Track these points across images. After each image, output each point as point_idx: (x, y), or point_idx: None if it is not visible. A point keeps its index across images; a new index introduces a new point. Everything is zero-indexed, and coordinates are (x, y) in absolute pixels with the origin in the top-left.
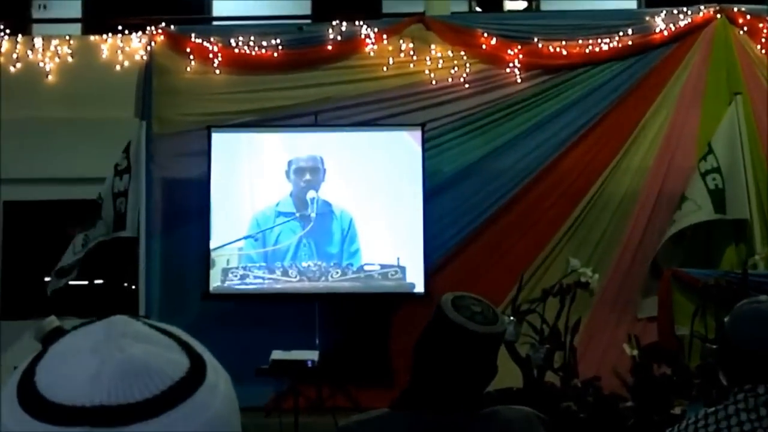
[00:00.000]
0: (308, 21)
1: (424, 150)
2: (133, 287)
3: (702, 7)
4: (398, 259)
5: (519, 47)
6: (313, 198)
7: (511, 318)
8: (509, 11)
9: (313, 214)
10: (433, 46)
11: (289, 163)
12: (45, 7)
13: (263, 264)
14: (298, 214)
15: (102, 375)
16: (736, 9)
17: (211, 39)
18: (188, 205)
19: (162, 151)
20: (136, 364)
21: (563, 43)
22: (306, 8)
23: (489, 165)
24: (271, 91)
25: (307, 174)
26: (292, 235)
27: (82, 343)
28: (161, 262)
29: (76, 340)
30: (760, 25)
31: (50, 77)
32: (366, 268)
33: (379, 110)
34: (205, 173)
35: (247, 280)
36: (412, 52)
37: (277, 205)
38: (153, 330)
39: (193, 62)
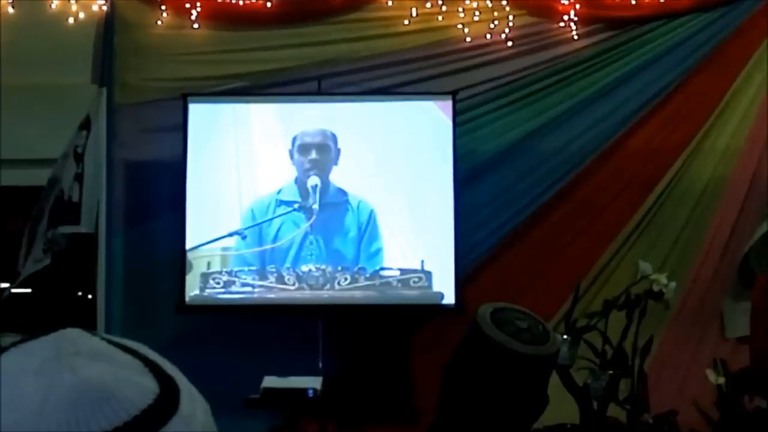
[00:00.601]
0: None
1: (455, 125)
2: (89, 297)
3: None
4: (422, 262)
5: None
6: (315, 186)
7: (565, 337)
8: None
9: (315, 206)
10: None
11: (294, 139)
12: None
13: (253, 268)
14: (296, 205)
15: (49, 402)
16: None
17: None
18: (159, 194)
19: (126, 126)
20: (92, 388)
21: None
22: None
23: (536, 145)
24: (263, 51)
25: (313, 152)
26: (294, 229)
27: (24, 363)
28: (124, 265)
29: (17, 360)
30: None
31: None
32: (382, 273)
33: (399, 75)
34: (179, 154)
35: (233, 288)
36: (440, 2)
37: (279, 192)
38: (113, 347)
39: (165, 14)
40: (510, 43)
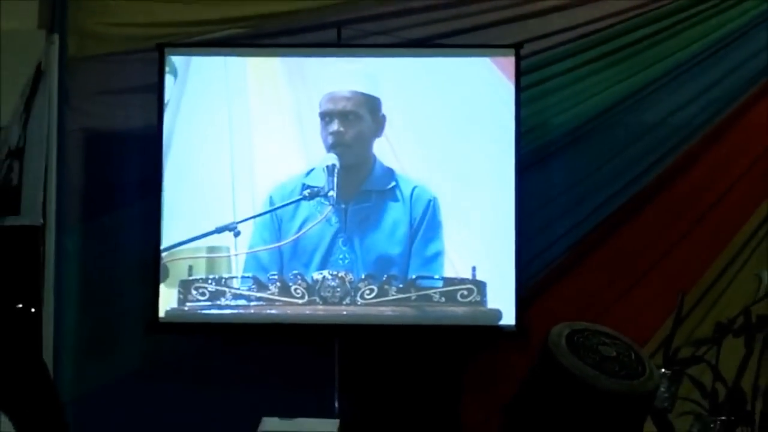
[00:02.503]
0: None
1: (518, 90)
2: (32, 310)
3: None
4: (473, 269)
5: None
6: (332, 167)
7: (663, 371)
8: None
9: (332, 193)
10: None
11: (319, 104)
12: None
13: (248, 275)
14: (306, 192)
15: None
16: None
17: None
18: (126, 176)
19: (83, 86)
20: None
21: None
22: None
23: (625, 118)
24: None
25: (335, 122)
26: (326, 226)
27: None
28: (80, 268)
29: None
30: None
31: None
32: (420, 283)
33: (443, 22)
34: (153, 123)
35: (223, 301)
36: None
37: (308, 175)
38: None
39: None
40: None
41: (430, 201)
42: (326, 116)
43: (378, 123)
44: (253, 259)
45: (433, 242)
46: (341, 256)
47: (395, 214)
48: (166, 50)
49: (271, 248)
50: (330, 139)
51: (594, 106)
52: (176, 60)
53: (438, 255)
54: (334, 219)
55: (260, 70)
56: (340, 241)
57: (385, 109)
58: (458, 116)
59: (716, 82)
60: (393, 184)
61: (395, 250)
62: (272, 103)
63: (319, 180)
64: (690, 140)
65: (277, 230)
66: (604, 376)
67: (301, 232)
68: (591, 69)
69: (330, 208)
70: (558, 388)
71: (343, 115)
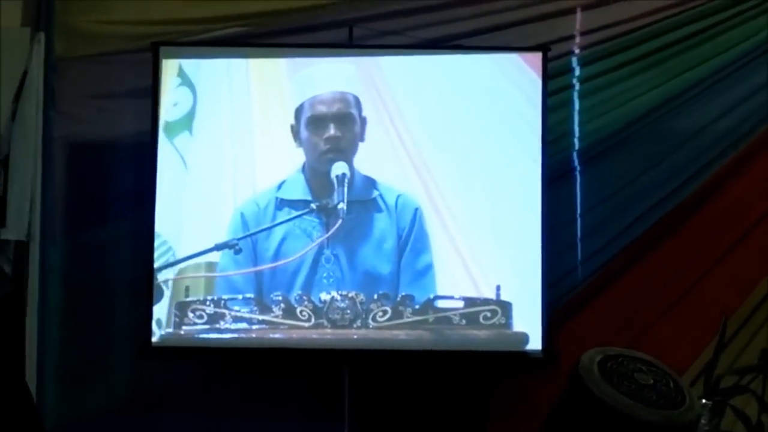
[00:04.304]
0: None
1: (545, 93)
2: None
3: None
4: (498, 288)
5: None
6: (342, 175)
7: (704, 401)
8: None
9: (342, 205)
10: None
11: (299, 109)
12: None
13: (251, 296)
14: (314, 206)
15: None
16: None
17: None
18: (117, 187)
19: (71, 89)
20: None
21: None
22: None
23: (664, 123)
24: None
25: (332, 127)
26: (306, 242)
27: None
28: (66, 287)
29: None
30: None
31: None
32: (438, 304)
33: (465, 21)
34: (147, 129)
35: (222, 325)
36: None
37: (279, 188)
38: None
39: None
40: None
41: (416, 210)
42: (318, 120)
43: (362, 126)
44: (224, 282)
45: (423, 254)
46: (325, 275)
47: (381, 225)
48: (161, 50)
49: (255, 271)
50: (324, 145)
51: (628, 112)
52: (172, 62)
53: (428, 268)
54: (315, 234)
55: (263, 72)
56: (322, 258)
57: (391, 113)
58: (477, 120)
59: (762, 86)
60: (376, 193)
61: (383, 264)
62: (276, 109)
63: (293, 192)
64: (733, 149)
65: (251, 250)
66: (641, 406)
67: (298, 254)
68: (624, 73)
69: (340, 222)
70: (590, 420)
71: (339, 118)
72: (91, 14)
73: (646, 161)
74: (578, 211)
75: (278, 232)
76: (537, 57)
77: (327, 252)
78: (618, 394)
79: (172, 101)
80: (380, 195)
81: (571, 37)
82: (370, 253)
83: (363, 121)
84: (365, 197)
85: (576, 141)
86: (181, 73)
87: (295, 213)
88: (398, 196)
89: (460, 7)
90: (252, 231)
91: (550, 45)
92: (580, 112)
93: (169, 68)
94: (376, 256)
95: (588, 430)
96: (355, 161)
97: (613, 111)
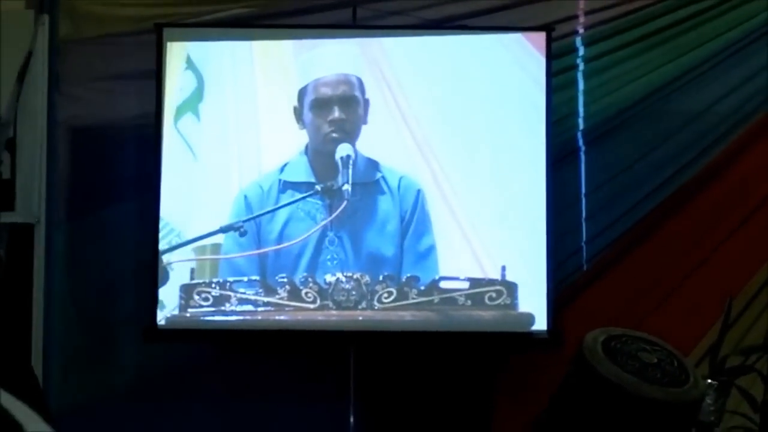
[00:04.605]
0: None
1: (549, 74)
2: (22, 314)
3: None
4: (503, 269)
5: None
6: (347, 157)
7: (710, 381)
8: None
9: (347, 187)
10: None
11: (303, 92)
12: None
13: (256, 278)
14: (319, 187)
15: None
16: None
17: None
18: (121, 170)
19: (75, 72)
20: None
21: None
22: None
23: (669, 104)
24: None
25: (336, 110)
26: (310, 224)
27: None
28: (72, 270)
29: None
30: None
31: None
32: (443, 285)
33: (468, 0)
34: (151, 112)
35: (228, 307)
36: None
37: (282, 170)
38: None
39: None
40: None
41: (418, 191)
42: (322, 102)
43: (365, 107)
44: (227, 264)
45: (426, 236)
46: (329, 257)
47: (384, 207)
48: (165, 32)
49: (259, 253)
50: (328, 127)
51: (632, 92)
52: (177, 44)
53: (431, 249)
54: (319, 216)
55: (267, 54)
56: (326, 240)
57: (388, 94)
58: (482, 99)
59: (765, 66)
60: (379, 175)
61: (387, 246)
62: (280, 90)
63: (296, 174)
64: (739, 129)
65: (255, 233)
66: (645, 384)
67: (305, 236)
68: (629, 52)
69: (345, 204)
70: (594, 398)
71: (343, 100)
72: None
73: (651, 142)
74: (582, 192)
75: (282, 215)
76: (541, 37)
77: (330, 234)
78: (622, 373)
79: (177, 85)
80: (383, 177)
81: (575, 16)
82: (373, 235)
83: (366, 103)
84: (368, 179)
85: (580, 121)
86: (188, 60)
87: (298, 195)
88: (401, 178)
89: None
90: (256, 213)
91: (554, 25)
92: (585, 92)
93: (174, 50)
94: (380, 238)
95: (592, 410)
96: (358, 143)
97: (617, 91)
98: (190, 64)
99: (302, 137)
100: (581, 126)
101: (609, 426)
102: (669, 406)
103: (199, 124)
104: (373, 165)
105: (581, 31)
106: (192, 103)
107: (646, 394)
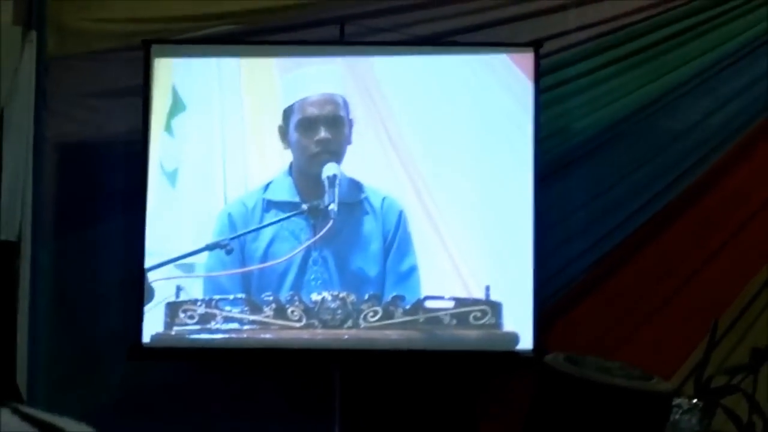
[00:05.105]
0: None
1: (537, 91)
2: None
3: None
4: (487, 289)
5: None
6: (333, 176)
7: (695, 401)
8: None
9: (333, 206)
10: None
11: (289, 110)
12: None
13: (242, 296)
14: (305, 206)
15: None
16: None
17: None
18: (107, 187)
19: (62, 89)
20: None
21: None
22: None
23: (654, 122)
24: None
25: (322, 129)
26: (294, 244)
27: None
28: (56, 288)
29: None
30: None
31: None
32: (428, 304)
33: (457, 17)
34: (137, 128)
35: (213, 325)
36: None
37: (266, 189)
38: (27, 425)
39: None
40: None
41: (400, 212)
42: (309, 122)
43: (350, 128)
44: (211, 282)
45: (407, 257)
46: (313, 276)
47: (367, 227)
48: (153, 48)
49: (241, 272)
50: (315, 147)
51: (617, 110)
52: (164, 61)
53: (413, 269)
54: (303, 236)
55: (254, 71)
56: (310, 260)
57: (374, 113)
58: (469, 120)
59: (750, 84)
60: (363, 195)
61: (370, 266)
62: (267, 108)
63: (280, 193)
64: (722, 149)
65: (239, 251)
66: (612, 377)
67: (290, 255)
68: (614, 70)
69: (331, 223)
70: (564, 403)
71: (330, 120)
72: (83, 12)
73: (635, 160)
74: (569, 209)
75: (266, 234)
76: (527, 58)
77: (315, 254)
78: (586, 371)
79: (163, 103)
80: (366, 198)
81: (563, 33)
82: (357, 255)
83: (351, 123)
84: (353, 199)
85: (567, 139)
86: (173, 90)
87: (282, 214)
88: (383, 199)
89: (451, 4)
90: (241, 231)
91: (542, 42)
92: (571, 110)
93: (161, 67)
94: (363, 258)
95: (565, 413)
96: (343, 164)
97: (602, 109)
98: (175, 93)
99: (286, 156)
100: (567, 144)
101: (583, 427)
102: (640, 395)
103: (185, 141)
104: (356, 185)
105: (567, 48)
106: (178, 120)
107: (616, 384)
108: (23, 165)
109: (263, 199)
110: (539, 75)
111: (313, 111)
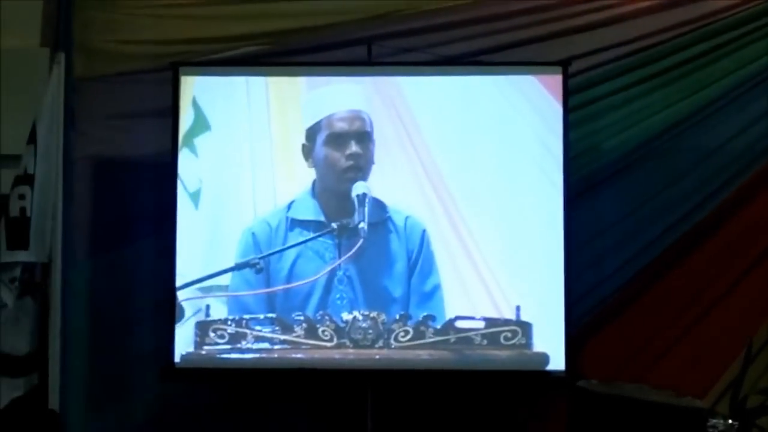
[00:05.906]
0: None
1: (566, 110)
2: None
3: None
4: (518, 309)
5: None
6: (364, 195)
7: (731, 422)
8: None
9: (363, 225)
10: None
11: (314, 128)
12: None
13: (272, 315)
14: (335, 225)
15: None
16: None
17: None
18: (138, 208)
19: (90, 110)
20: None
21: None
22: None
23: (684, 140)
24: (288, 1)
25: (353, 144)
26: (319, 263)
27: None
28: (88, 308)
29: None
30: None
31: None
32: (459, 324)
33: (483, 37)
34: (167, 150)
35: (244, 344)
36: None
37: (289, 208)
38: None
39: None
40: None
41: (423, 231)
42: (338, 138)
43: (374, 147)
44: (236, 302)
45: (430, 276)
46: (338, 296)
47: (392, 246)
48: (181, 70)
49: (270, 292)
50: (345, 163)
51: (647, 129)
52: (191, 80)
53: (436, 289)
54: (328, 255)
55: (282, 90)
56: (335, 280)
57: (400, 132)
58: (497, 140)
59: None
60: (387, 215)
61: (395, 286)
62: (295, 127)
63: (304, 212)
64: (754, 166)
65: (266, 271)
66: (648, 393)
67: (319, 275)
68: (644, 88)
69: (361, 243)
70: (601, 422)
71: (359, 136)
72: (110, 34)
73: (666, 179)
74: (597, 230)
75: (291, 253)
76: (554, 79)
77: (340, 273)
78: (620, 388)
79: (187, 123)
80: (389, 217)
81: (592, 53)
82: (382, 274)
83: (374, 142)
84: (378, 219)
85: (597, 158)
86: (195, 103)
87: (306, 233)
88: (407, 218)
89: (480, 25)
90: (267, 251)
91: (571, 60)
92: (601, 129)
93: (188, 88)
94: (388, 277)
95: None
96: (368, 182)
97: (632, 128)
98: (197, 109)
99: (308, 175)
100: (597, 163)
101: None
102: (676, 410)
103: (214, 160)
104: (380, 205)
105: (597, 67)
106: (206, 140)
107: (652, 399)
108: (53, 185)
109: (287, 218)
110: (568, 94)
111: (342, 126)
